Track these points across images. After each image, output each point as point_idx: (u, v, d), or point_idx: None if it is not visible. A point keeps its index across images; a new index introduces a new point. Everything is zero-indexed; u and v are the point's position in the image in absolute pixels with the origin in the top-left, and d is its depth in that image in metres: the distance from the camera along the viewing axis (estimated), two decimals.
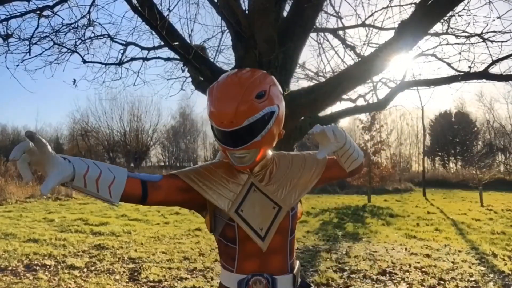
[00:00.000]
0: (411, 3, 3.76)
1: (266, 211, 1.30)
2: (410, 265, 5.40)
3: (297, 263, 1.39)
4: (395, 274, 5.02)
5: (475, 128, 34.01)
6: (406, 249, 6.44)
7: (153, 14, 2.79)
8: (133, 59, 4.47)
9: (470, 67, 3.35)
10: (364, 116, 16.77)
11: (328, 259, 5.73)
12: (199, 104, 49.05)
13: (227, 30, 3.99)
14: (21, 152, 0.95)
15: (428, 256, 5.94)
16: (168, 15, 3.48)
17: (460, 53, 3.65)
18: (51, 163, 0.99)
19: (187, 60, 2.76)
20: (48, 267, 5.17)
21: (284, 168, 1.39)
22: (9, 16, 3.71)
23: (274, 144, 1.33)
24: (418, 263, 5.51)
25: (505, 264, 5.39)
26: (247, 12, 3.27)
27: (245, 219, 1.28)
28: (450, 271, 5.12)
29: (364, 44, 4.08)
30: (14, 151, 0.93)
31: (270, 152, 1.39)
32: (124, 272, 5.04)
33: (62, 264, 5.30)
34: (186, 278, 4.80)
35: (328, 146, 1.25)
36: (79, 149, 33.18)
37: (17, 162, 0.96)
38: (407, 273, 5.05)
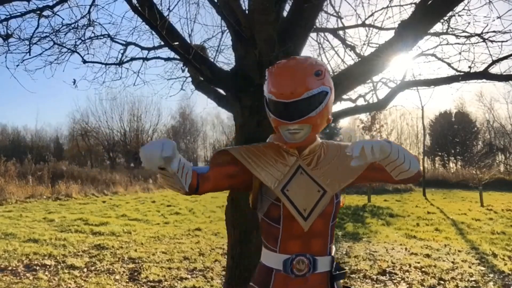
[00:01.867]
0: (411, 3, 3.75)
1: (311, 193, 1.36)
2: (410, 265, 5.40)
3: (333, 248, 1.45)
4: (395, 274, 5.02)
5: (475, 128, 34.01)
6: (406, 249, 6.44)
7: (153, 14, 2.78)
8: (133, 59, 4.46)
9: (470, 67, 3.34)
10: (364, 116, 16.79)
11: None
12: (199, 104, 49.08)
13: (227, 30, 3.98)
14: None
15: (428, 256, 5.94)
16: (168, 15, 3.47)
17: (460, 53, 3.64)
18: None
19: (187, 60, 2.75)
20: (48, 267, 5.17)
21: (332, 156, 1.45)
22: (9, 16, 3.71)
23: (323, 127, 1.41)
24: (418, 263, 5.51)
25: (505, 264, 5.39)
26: (247, 12, 3.26)
27: (290, 198, 1.33)
28: (450, 271, 5.13)
29: (364, 44, 4.07)
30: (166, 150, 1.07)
31: (319, 138, 1.45)
32: (124, 272, 5.04)
33: (62, 264, 5.30)
34: (186, 278, 4.80)
35: (362, 158, 1.20)
36: (79, 149, 33.18)
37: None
38: (407, 273, 5.05)
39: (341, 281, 1.43)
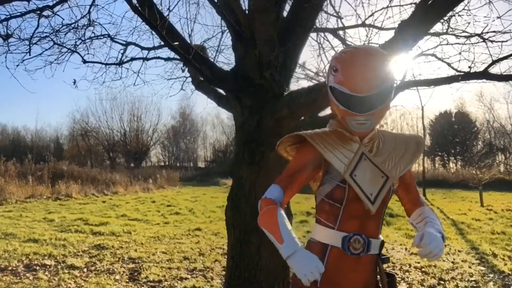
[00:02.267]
0: (411, 3, 3.75)
1: (376, 179, 1.45)
2: (410, 265, 5.40)
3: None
4: (395, 274, 5.02)
5: (475, 128, 34.00)
6: (406, 249, 6.44)
7: (153, 14, 2.78)
8: (133, 59, 4.46)
9: (470, 67, 3.34)
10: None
11: None
12: (199, 104, 49.04)
13: (227, 30, 3.99)
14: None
15: None
16: (168, 15, 3.48)
17: (460, 53, 3.64)
18: None
19: (187, 60, 2.75)
20: (48, 267, 5.17)
21: (390, 144, 1.53)
22: (9, 16, 3.71)
23: (384, 117, 1.52)
24: (418, 263, 5.51)
25: (505, 264, 5.39)
26: (247, 12, 3.26)
27: (358, 183, 1.41)
28: (450, 271, 5.12)
29: (364, 44, 4.07)
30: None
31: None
32: (124, 272, 5.04)
33: (62, 264, 5.30)
34: (186, 278, 4.80)
35: (422, 251, 1.35)
36: (79, 149, 33.18)
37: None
38: (407, 273, 5.05)
39: (384, 265, 1.51)
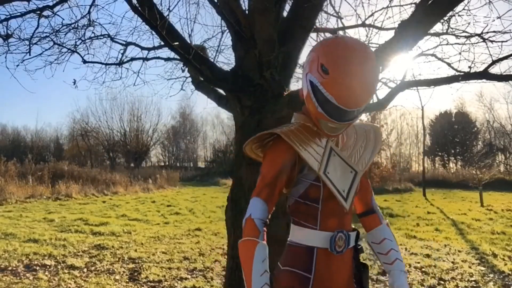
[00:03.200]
0: (411, 3, 3.75)
1: (346, 174, 1.42)
2: (410, 265, 5.40)
3: None
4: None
5: (475, 128, 34.00)
6: (406, 249, 6.44)
7: (153, 14, 2.78)
8: (133, 59, 4.46)
9: (470, 67, 3.34)
10: (364, 116, 16.77)
11: None
12: (199, 104, 49.06)
13: (227, 30, 3.99)
14: None
15: (428, 256, 5.94)
16: (168, 15, 3.47)
17: (460, 53, 3.63)
18: None
19: (187, 60, 2.75)
20: (48, 267, 5.17)
21: (352, 136, 1.51)
22: (9, 16, 3.71)
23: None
24: (418, 263, 5.51)
25: (505, 264, 5.39)
26: (247, 12, 3.26)
27: (331, 180, 1.37)
28: (450, 271, 5.13)
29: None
30: None
31: None
32: (124, 272, 5.04)
33: (62, 264, 5.30)
34: (186, 278, 4.80)
35: None
36: (79, 149, 33.17)
37: None
38: (407, 273, 5.05)
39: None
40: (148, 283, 4.61)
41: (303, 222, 1.39)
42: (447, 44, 3.80)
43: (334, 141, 1.43)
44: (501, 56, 3.18)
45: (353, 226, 1.47)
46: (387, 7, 3.82)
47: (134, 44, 4.40)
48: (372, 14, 3.98)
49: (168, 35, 2.64)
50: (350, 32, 4.62)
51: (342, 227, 1.39)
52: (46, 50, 4.19)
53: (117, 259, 5.64)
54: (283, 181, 1.36)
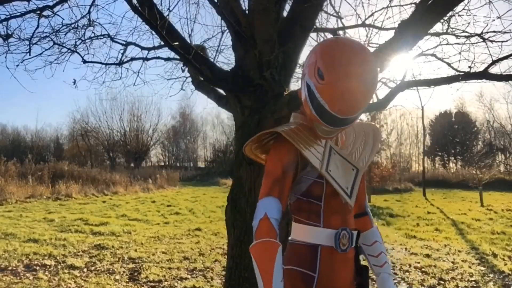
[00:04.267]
0: (411, 3, 3.75)
1: (348, 172, 1.42)
2: (410, 265, 5.40)
3: None
4: (395, 274, 5.02)
5: (475, 128, 34.00)
6: (406, 249, 6.44)
7: (153, 14, 2.78)
8: (133, 59, 4.46)
9: (470, 67, 3.33)
10: (364, 116, 16.77)
11: None
12: (199, 104, 49.02)
13: (227, 30, 3.99)
14: None
15: (428, 256, 5.94)
16: (168, 15, 3.48)
17: (460, 53, 3.63)
18: None
19: (187, 60, 2.75)
20: (48, 267, 5.17)
21: (351, 135, 1.52)
22: (9, 16, 3.70)
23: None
24: (418, 263, 5.51)
25: (505, 264, 5.39)
26: (247, 12, 3.27)
27: (334, 178, 1.37)
28: (450, 271, 5.12)
29: (364, 44, 4.06)
30: None
31: None
32: (124, 272, 5.04)
33: (62, 264, 5.30)
34: (186, 278, 4.80)
35: None
36: (79, 149, 33.16)
37: None
38: (407, 273, 5.05)
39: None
40: (148, 283, 4.61)
41: (306, 220, 1.38)
42: (447, 44, 3.80)
43: (333, 140, 1.44)
44: (501, 56, 3.18)
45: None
46: (387, 7, 3.82)
47: (134, 44, 4.40)
48: (372, 14, 3.98)
49: (168, 35, 2.64)
50: (350, 32, 4.62)
51: (346, 225, 1.39)
52: (46, 50, 4.19)
53: (117, 259, 5.64)
54: (290, 178, 1.35)
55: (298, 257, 1.37)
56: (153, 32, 3.54)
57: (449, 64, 3.63)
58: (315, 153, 1.36)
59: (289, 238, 1.43)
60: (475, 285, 4.61)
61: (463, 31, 3.66)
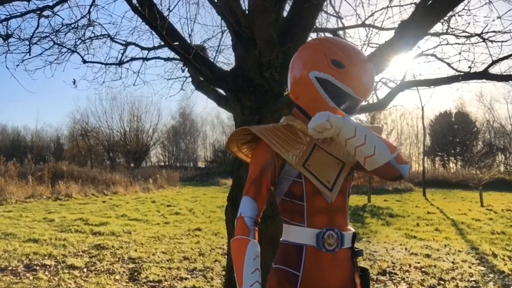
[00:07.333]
0: (411, 3, 3.75)
1: (332, 165, 1.42)
2: (410, 265, 5.40)
3: None
4: (395, 274, 5.02)
5: (475, 128, 34.00)
6: (406, 249, 6.44)
7: (153, 14, 2.79)
8: (133, 59, 4.46)
9: (470, 67, 3.34)
10: (364, 116, 16.79)
11: None
12: (199, 104, 49.04)
13: (227, 30, 3.99)
14: None
15: (428, 256, 5.94)
16: (168, 15, 3.48)
17: (460, 53, 3.64)
18: None
19: (187, 60, 2.75)
20: (48, 267, 5.17)
21: None
22: (9, 16, 3.71)
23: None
24: (418, 263, 5.51)
25: (505, 264, 5.39)
26: (247, 12, 3.27)
27: (312, 172, 1.37)
28: (450, 271, 5.12)
29: (364, 44, 4.06)
30: None
31: None
32: (124, 272, 5.04)
33: (62, 264, 5.30)
34: (186, 278, 4.80)
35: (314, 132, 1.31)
36: (79, 149, 33.17)
37: None
38: (407, 273, 5.05)
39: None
40: (148, 283, 4.61)
41: (290, 220, 1.40)
42: (447, 44, 3.80)
43: (320, 138, 1.41)
44: (501, 56, 3.18)
45: (352, 229, 1.44)
46: (387, 7, 3.82)
47: (134, 44, 4.40)
48: (372, 14, 3.99)
49: (168, 35, 2.64)
50: (350, 32, 4.63)
51: (333, 225, 1.37)
52: (46, 50, 4.20)
53: (117, 259, 5.64)
54: (268, 178, 1.37)
55: (284, 256, 1.39)
56: (153, 32, 3.54)
57: (449, 64, 3.64)
58: (292, 149, 1.38)
59: (280, 238, 1.45)
60: (475, 285, 4.61)
61: (463, 31, 3.67)
